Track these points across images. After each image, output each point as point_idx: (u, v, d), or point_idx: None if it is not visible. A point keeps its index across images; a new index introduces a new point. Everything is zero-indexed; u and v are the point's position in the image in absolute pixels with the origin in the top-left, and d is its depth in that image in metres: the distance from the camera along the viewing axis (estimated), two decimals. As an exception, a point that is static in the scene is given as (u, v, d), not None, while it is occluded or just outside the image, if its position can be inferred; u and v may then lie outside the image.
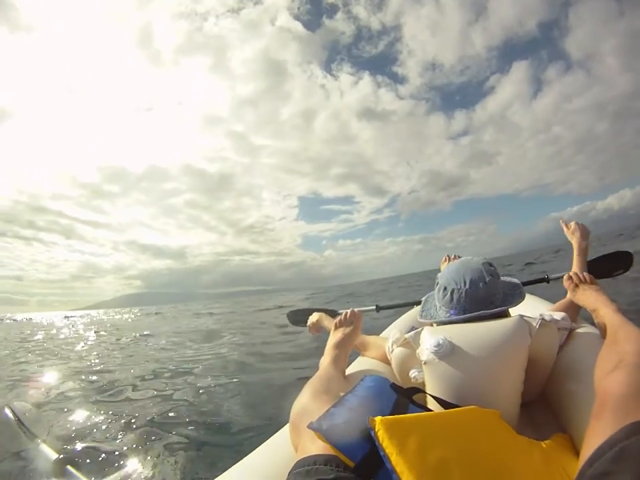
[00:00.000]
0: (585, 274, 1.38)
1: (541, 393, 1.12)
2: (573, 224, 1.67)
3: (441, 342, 0.94)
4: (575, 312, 1.37)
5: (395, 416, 0.70)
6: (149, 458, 2.07)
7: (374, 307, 2.02)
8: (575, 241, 1.62)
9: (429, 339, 0.97)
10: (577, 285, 1.35)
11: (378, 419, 0.65)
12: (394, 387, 0.99)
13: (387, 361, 1.28)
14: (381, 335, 1.74)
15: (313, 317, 1.83)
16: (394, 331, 1.20)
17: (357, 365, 1.47)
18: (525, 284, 1.80)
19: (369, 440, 0.64)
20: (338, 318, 1.53)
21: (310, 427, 0.69)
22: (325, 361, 1.32)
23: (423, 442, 0.63)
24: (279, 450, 0.93)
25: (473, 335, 0.96)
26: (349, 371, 1.38)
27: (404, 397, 0.95)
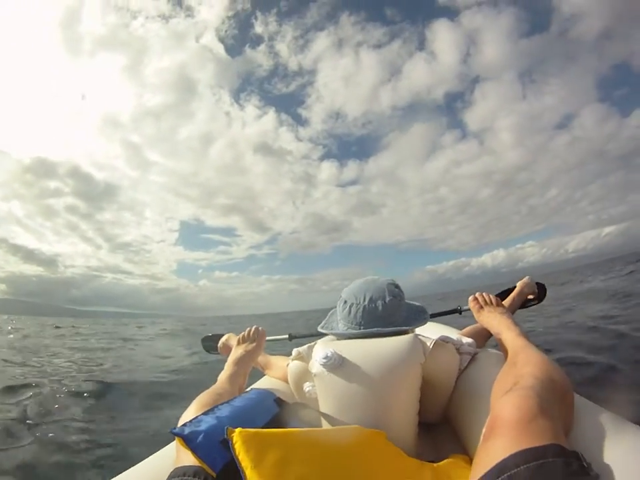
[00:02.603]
0: (492, 296, 1.36)
1: (443, 414, 1.13)
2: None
3: (329, 354, 0.93)
4: (483, 338, 1.36)
5: (258, 429, 0.68)
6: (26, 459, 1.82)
7: (286, 336, 1.95)
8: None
9: (320, 351, 0.97)
10: (481, 307, 1.32)
11: (237, 430, 0.63)
12: (278, 400, 1.00)
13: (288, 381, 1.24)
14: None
15: (223, 338, 1.78)
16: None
17: (258, 385, 1.42)
18: (437, 314, 1.88)
19: (230, 450, 0.61)
20: (241, 334, 1.48)
21: (172, 430, 0.67)
22: (222, 376, 1.25)
23: (284, 458, 0.60)
24: (165, 462, 0.88)
25: (365, 349, 0.96)
26: (249, 389, 1.27)
27: (286, 412, 0.95)
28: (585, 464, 0.48)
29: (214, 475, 0.63)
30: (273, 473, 0.57)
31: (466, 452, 0.91)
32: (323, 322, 1.19)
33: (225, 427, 0.64)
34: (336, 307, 1.20)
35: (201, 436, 0.67)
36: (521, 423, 0.55)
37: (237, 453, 0.59)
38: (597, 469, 0.49)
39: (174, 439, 0.97)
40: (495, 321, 1.22)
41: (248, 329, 1.49)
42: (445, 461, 0.78)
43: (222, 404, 0.84)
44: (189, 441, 0.65)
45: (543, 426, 0.54)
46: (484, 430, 0.63)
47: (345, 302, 1.08)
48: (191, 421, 0.72)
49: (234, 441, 0.61)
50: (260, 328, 1.50)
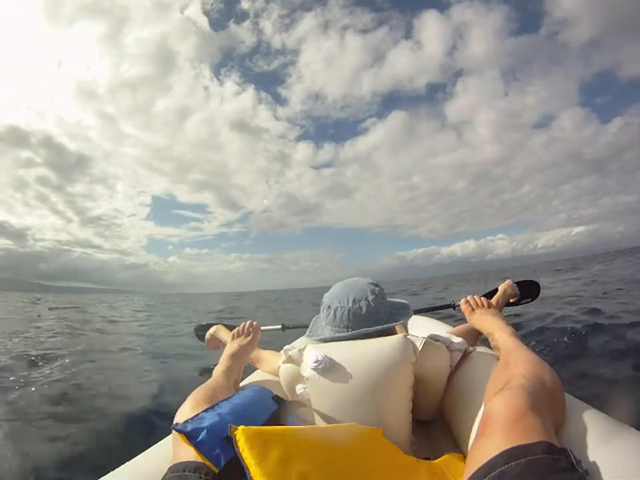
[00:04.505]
0: (483, 298, 1.39)
1: (437, 411, 1.15)
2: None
3: (320, 358, 0.95)
4: (473, 337, 1.38)
5: (261, 427, 0.69)
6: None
7: (280, 326, 1.96)
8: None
9: (310, 355, 0.98)
10: (473, 309, 1.36)
11: (241, 427, 0.63)
12: (276, 398, 1.02)
13: None
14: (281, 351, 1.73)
15: (211, 330, 1.74)
16: (289, 347, 1.18)
17: (251, 379, 1.44)
18: (431, 309, 1.90)
19: (233, 447, 0.62)
20: (236, 329, 1.49)
21: (174, 427, 0.68)
22: (217, 371, 1.25)
23: (287, 455, 0.61)
24: (162, 456, 0.88)
25: (355, 351, 0.97)
26: (243, 383, 1.34)
27: (284, 409, 0.98)
28: (574, 461, 0.50)
29: (216, 470, 0.64)
30: (277, 469, 0.58)
31: (460, 449, 0.93)
32: (308, 330, 1.20)
33: (229, 425, 0.64)
34: (318, 315, 1.20)
35: (204, 432, 0.67)
36: (512, 421, 0.57)
37: (240, 450, 0.60)
38: (585, 466, 0.51)
39: (168, 435, 0.97)
40: (488, 323, 1.25)
41: (243, 323, 1.49)
42: (440, 458, 0.80)
43: (222, 401, 0.85)
44: (191, 437, 0.66)
45: (533, 424, 0.57)
46: (477, 427, 0.65)
47: (329, 307, 1.09)
48: (192, 418, 0.73)
49: (237, 439, 0.61)
50: (255, 322, 1.51)
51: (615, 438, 0.61)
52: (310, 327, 1.22)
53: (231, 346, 1.40)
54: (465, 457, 0.82)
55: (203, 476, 0.64)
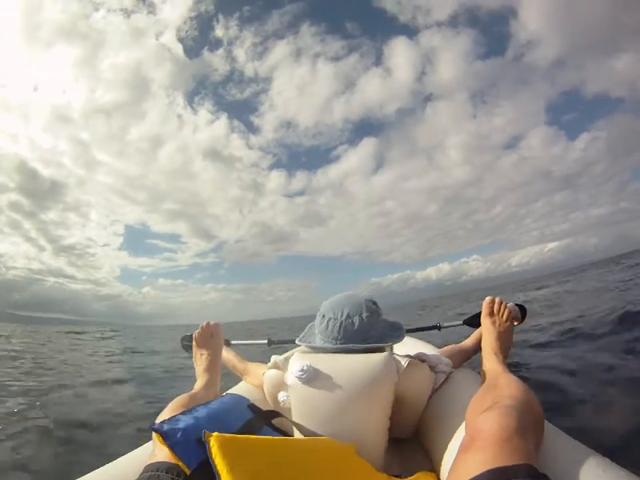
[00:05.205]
0: (509, 309, 1.30)
1: (414, 430, 1.14)
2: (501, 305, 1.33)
3: (305, 367, 0.95)
4: (461, 358, 1.34)
5: (235, 435, 0.70)
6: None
7: (265, 341, 1.92)
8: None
9: (296, 364, 0.99)
10: (492, 313, 1.28)
11: (215, 434, 0.64)
12: (251, 407, 1.03)
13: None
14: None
15: None
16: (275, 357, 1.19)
17: (235, 390, 1.43)
18: (415, 330, 1.87)
19: (205, 450, 0.63)
20: (196, 332, 1.43)
21: (151, 426, 0.70)
22: (198, 385, 1.26)
23: (259, 465, 0.62)
24: (142, 458, 0.88)
25: (340, 365, 0.97)
26: (226, 393, 1.29)
27: (259, 418, 0.98)
28: None
29: (187, 472, 0.65)
30: (247, 478, 0.59)
31: (433, 468, 0.93)
32: (302, 334, 1.20)
33: (203, 430, 0.65)
34: (314, 321, 1.20)
35: (179, 434, 0.69)
36: (500, 439, 0.57)
37: (213, 456, 0.61)
38: None
39: (151, 439, 0.98)
40: (493, 335, 1.21)
41: (201, 325, 1.46)
42: (413, 476, 0.80)
43: (199, 405, 0.87)
44: (166, 437, 0.67)
45: (519, 445, 0.57)
46: (462, 441, 0.65)
47: (323, 316, 1.09)
48: (169, 419, 0.75)
49: (211, 444, 0.62)
50: (212, 322, 1.48)
51: (587, 466, 0.61)
52: (304, 331, 1.21)
53: (200, 360, 1.38)
54: (437, 476, 0.83)
55: (174, 477, 0.64)
